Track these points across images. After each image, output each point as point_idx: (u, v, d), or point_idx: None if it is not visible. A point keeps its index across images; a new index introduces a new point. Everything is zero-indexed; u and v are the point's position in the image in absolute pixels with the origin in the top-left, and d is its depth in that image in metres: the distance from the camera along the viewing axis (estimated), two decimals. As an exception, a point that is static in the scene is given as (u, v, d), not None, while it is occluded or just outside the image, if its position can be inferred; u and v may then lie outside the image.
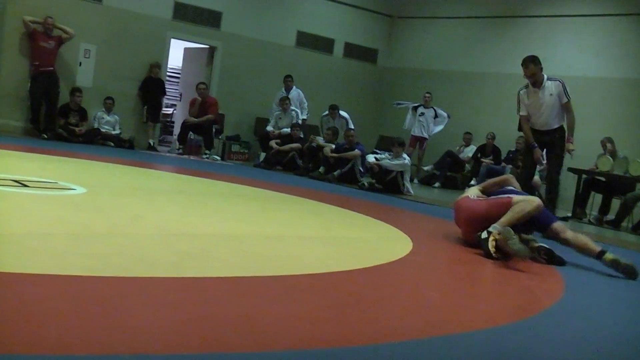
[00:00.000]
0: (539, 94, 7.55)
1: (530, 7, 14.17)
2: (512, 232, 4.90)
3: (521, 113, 7.77)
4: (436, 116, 13.61)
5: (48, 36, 11.52)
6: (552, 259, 5.16)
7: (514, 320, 3.46)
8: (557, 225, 5.46)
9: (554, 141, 7.69)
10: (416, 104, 13.84)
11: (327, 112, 13.26)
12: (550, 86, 7.55)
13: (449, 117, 13.65)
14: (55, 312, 2.50)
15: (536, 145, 7.64)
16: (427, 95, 13.71)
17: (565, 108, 7.61)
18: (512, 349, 2.95)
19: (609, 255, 5.06)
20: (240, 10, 14.12)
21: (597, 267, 5.43)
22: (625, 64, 12.68)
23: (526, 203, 5.27)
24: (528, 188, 7.35)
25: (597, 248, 5.20)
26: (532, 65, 7.49)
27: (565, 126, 7.72)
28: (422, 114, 13.64)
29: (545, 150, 7.84)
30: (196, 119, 12.81)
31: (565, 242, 5.35)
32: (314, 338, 2.67)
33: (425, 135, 13.67)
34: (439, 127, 13.68)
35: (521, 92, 7.74)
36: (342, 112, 13.15)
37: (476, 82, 14.56)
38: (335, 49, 15.65)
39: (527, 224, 5.49)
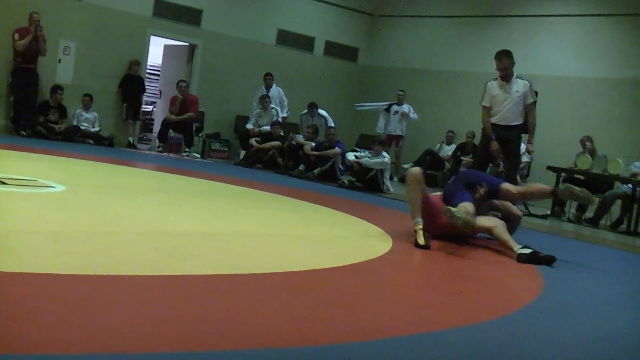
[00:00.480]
0: (506, 88, 7.60)
1: (510, 7, 14.25)
2: (450, 209, 5.05)
3: (484, 103, 7.78)
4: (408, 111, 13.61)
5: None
6: (539, 260, 5.07)
7: (493, 317, 3.48)
8: (505, 185, 5.68)
9: (512, 139, 7.71)
10: (385, 105, 13.81)
11: (305, 111, 13.20)
12: (518, 83, 7.60)
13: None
14: (35, 310, 2.48)
15: (494, 137, 7.65)
16: (400, 93, 13.70)
17: (528, 109, 7.64)
18: (492, 346, 2.98)
19: (560, 186, 5.47)
20: (220, 8, 14.09)
21: (576, 263, 5.49)
22: (604, 64, 12.80)
23: (407, 183, 5.61)
24: None
25: (550, 187, 5.71)
26: (505, 59, 7.54)
27: (525, 125, 7.74)
28: (396, 112, 13.64)
29: (502, 148, 7.80)
30: (177, 117, 12.76)
31: (523, 197, 5.65)
32: (294, 336, 2.68)
33: (400, 132, 13.66)
34: (414, 116, 13.63)
35: (489, 83, 7.77)
36: (321, 111, 13.03)
37: (457, 80, 14.60)
38: (316, 47, 15.65)
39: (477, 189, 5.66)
